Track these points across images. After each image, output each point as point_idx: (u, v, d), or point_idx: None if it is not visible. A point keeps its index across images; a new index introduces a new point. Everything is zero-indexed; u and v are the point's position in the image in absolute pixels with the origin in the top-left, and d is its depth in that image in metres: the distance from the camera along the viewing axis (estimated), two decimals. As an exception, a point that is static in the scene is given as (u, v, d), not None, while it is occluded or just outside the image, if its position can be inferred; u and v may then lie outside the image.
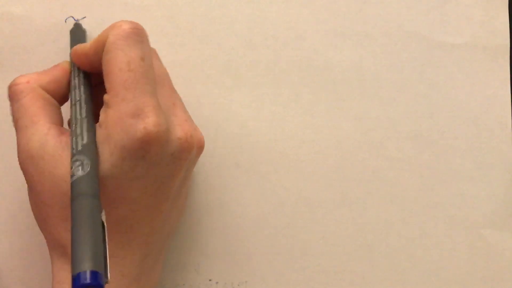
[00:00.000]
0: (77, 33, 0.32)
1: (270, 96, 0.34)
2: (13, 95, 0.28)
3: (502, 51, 0.34)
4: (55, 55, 0.33)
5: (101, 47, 0.26)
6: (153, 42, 0.28)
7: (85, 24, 0.33)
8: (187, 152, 0.27)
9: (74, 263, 0.21)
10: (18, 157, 0.27)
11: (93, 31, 0.33)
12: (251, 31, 0.34)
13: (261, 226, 0.33)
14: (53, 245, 0.27)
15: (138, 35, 0.26)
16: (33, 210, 0.28)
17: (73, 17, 0.33)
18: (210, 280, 0.33)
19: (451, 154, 0.34)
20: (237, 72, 0.34)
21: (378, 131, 0.34)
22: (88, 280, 0.20)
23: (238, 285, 0.33)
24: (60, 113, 0.29)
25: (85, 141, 0.25)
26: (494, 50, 0.34)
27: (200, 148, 0.29)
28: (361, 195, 0.33)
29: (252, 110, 0.34)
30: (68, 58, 0.30)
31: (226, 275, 0.33)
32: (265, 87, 0.34)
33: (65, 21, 0.33)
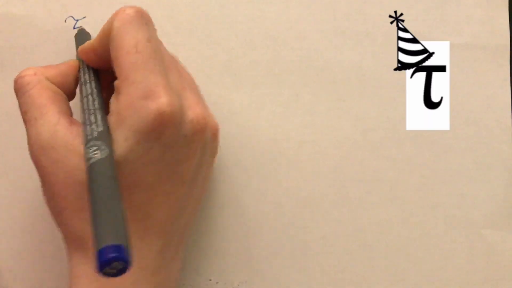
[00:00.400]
0: (82, 37, 0.32)
1: (270, 96, 0.34)
2: (19, 87, 0.27)
3: (502, 51, 0.34)
4: (55, 55, 0.33)
5: (106, 37, 0.26)
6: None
7: (85, 24, 0.33)
8: (200, 134, 0.27)
9: (97, 238, 0.20)
10: (29, 149, 0.26)
11: (93, 31, 0.33)
12: (251, 31, 0.34)
13: (261, 226, 0.33)
14: (70, 238, 0.26)
15: (142, 17, 0.26)
16: (47, 203, 0.27)
17: (73, 17, 0.33)
18: (210, 280, 0.33)
19: (451, 154, 0.34)
20: (237, 72, 0.34)
21: (378, 131, 0.34)
22: (113, 254, 0.19)
23: (238, 285, 0.33)
24: (68, 104, 0.28)
25: (100, 128, 0.25)
26: (494, 50, 0.34)
27: (214, 133, 0.28)
28: (361, 195, 0.33)
29: (252, 110, 0.34)
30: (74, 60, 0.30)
31: (226, 275, 0.33)
32: (265, 87, 0.34)
33: (65, 21, 0.33)
